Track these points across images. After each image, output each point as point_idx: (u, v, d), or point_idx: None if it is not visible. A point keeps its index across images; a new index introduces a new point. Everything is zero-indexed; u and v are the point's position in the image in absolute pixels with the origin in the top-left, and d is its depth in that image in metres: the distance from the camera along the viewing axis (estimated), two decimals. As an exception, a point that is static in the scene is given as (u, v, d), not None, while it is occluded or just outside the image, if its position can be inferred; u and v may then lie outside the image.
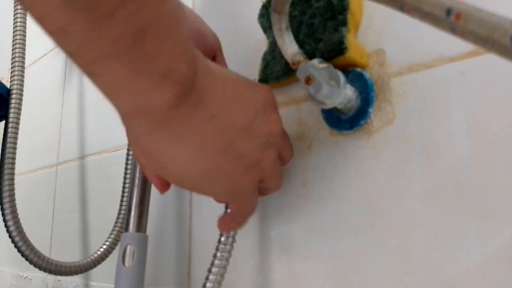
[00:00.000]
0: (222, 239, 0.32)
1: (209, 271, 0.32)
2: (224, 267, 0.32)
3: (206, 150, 0.24)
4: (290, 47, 0.33)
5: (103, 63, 0.19)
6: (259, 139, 0.27)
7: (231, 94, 0.25)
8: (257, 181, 0.28)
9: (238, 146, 0.25)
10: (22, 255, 0.50)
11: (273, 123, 0.28)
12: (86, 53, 0.19)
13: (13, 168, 0.54)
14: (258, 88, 0.28)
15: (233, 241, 0.32)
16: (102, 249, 0.52)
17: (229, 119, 0.25)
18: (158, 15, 0.19)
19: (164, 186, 0.29)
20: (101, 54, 0.18)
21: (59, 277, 0.65)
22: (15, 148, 0.54)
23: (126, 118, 0.23)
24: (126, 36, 0.18)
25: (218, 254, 0.32)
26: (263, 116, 0.27)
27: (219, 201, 0.32)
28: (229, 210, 0.32)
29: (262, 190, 0.31)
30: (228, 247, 0.32)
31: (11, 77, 0.56)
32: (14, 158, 0.54)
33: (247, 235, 0.38)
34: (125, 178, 0.49)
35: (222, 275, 0.31)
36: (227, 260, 0.32)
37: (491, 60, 0.26)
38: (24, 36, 0.57)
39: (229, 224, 0.31)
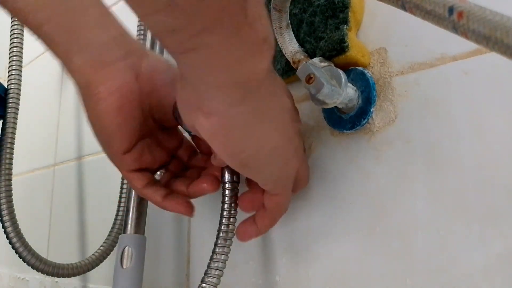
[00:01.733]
0: (219, 241, 0.32)
1: (206, 273, 0.31)
2: (221, 269, 0.31)
3: (278, 125, 0.26)
4: (290, 46, 0.33)
5: (210, 34, 0.19)
6: (296, 125, 0.28)
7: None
8: (297, 169, 0.29)
9: (289, 127, 0.27)
10: (20, 256, 0.49)
11: (298, 114, 0.30)
12: (193, 26, 0.18)
13: (10, 169, 0.53)
14: None
15: (230, 243, 0.32)
16: (100, 251, 0.52)
17: (281, 99, 0.27)
18: None
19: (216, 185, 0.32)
20: (209, 25, 0.18)
21: (57, 279, 0.64)
22: (12, 148, 0.54)
23: (214, 92, 0.23)
24: (233, 4, 0.18)
25: (215, 257, 0.31)
26: (293, 104, 0.29)
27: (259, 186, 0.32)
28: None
29: (294, 186, 0.31)
30: (225, 249, 0.32)
31: (8, 76, 0.56)
32: (11, 159, 0.53)
33: (246, 236, 0.38)
34: (123, 179, 0.49)
35: (218, 277, 0.31)
36: (224, 262, 0.31)
37: (494, 59, 0.26)
38: (22, 35, 0.57)
39: (264, 221, 0.31)
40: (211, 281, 0.31)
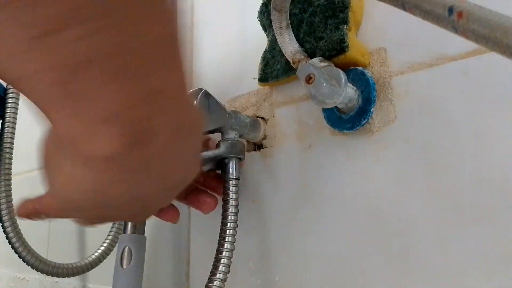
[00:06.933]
0: (224, 240, 0.32)
1: (212, 272, 0.31)
2: (228, 266, 0.31)
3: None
4: (290, 46, 0.33)
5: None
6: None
7: None
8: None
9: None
10: (19, 256, 0.49)
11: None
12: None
13: (10, 168, 0.53)
14: None
15: (234, 240, 0.32)
16: (100, 251, 0.52)
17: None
18: None
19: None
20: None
21: (57, 279, 0.64)
22: (12, 148, 0.54)
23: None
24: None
25: (223, 254, 0.31)
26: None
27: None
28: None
29: None
30: (230, 245, 0.32)
31: (8, 77, 0.55)
32: (11, 158, 0.53)
33: (246, 237, 0.38)
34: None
35: (225, 274, 0.31)
36: (229, 259, 0.31)
37: (493, 59, 0.26)
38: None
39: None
40: (218, 277, 0.30)
